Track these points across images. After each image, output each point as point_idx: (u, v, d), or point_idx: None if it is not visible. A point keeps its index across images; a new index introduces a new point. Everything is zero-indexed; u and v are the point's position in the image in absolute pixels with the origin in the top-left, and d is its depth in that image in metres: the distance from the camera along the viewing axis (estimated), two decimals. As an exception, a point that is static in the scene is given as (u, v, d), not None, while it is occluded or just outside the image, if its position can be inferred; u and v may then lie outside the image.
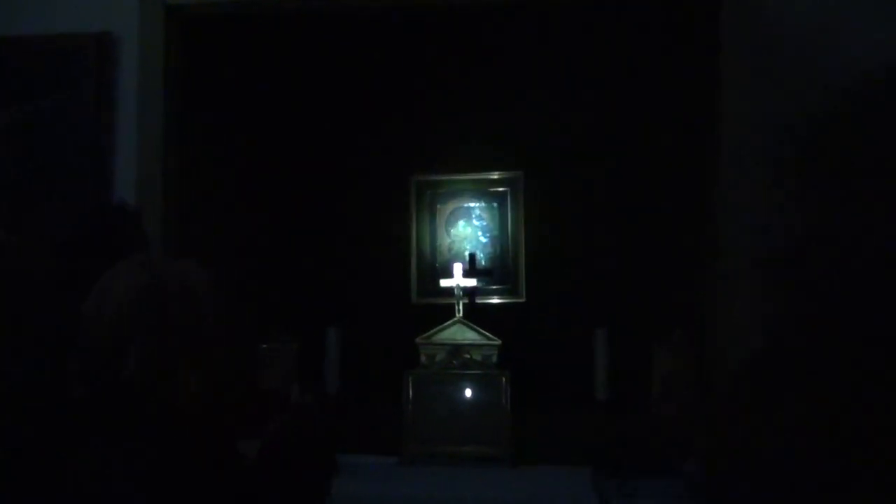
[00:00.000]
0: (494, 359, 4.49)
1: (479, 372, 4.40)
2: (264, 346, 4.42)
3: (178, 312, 1.52)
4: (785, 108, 2.95)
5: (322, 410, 1.87)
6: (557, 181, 4.96)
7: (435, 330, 4.55)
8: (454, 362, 4.43)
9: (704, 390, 4.20)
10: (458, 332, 4.54)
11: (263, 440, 1.73)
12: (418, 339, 4.55)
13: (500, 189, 5.05)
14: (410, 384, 4.36)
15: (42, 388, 1.57)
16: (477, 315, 4.66)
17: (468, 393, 4.36)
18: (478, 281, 4.74)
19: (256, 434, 1.80)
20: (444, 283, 4.70)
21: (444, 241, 5.10)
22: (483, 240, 5.08)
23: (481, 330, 4.53)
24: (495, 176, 5.06)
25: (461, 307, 4.58)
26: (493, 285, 4.98)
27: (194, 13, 3.65)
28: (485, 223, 5.08)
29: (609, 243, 4.82)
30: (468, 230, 5.09)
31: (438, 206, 5.10)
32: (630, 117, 4.78)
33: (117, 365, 1.48)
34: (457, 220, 5.09)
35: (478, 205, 5.08)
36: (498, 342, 4.51)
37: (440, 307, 4.75)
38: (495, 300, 4.98)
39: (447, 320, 4.57)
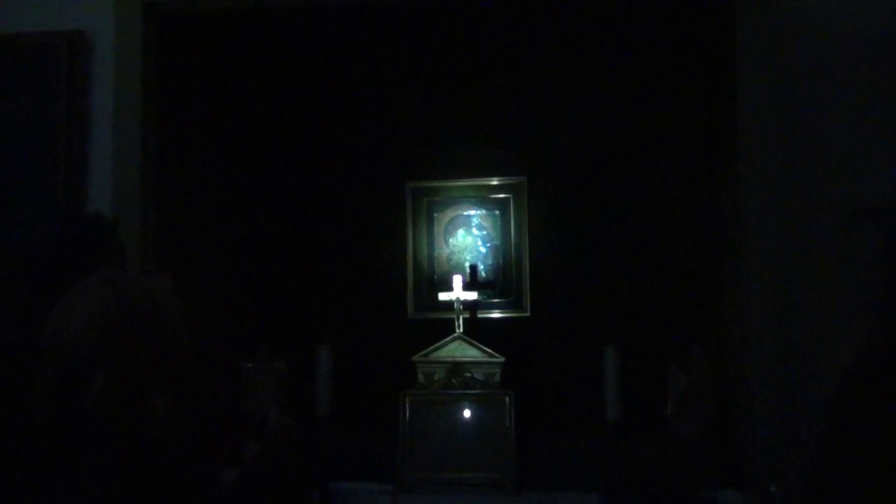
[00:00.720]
0: (497, 378, 4.47)
1: (480, 392, 4.38)
2: (249, 365, 4.39)
3: (145, 333, 1.49)
4: (804, 104, 2.93)
5: (303, 434, 1.82)
6: (563, 187, 4.95)
7: (433, 347, 4.53)
8: (454, 381, 4.41)
9: (723, 409, 4.19)
10: (458, 349, 4.51)
11: (239, 469, 1.69)
12: (415, 357, 4.53)
13: (502, 195, 5.03)
14: (407, 405, 4.34)
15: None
16: (478, 331, 4.64)
17: (469, 414, 4.35)
18: (479, 294, 4.73)
19: (235, 461, 1.77)
20: (442, 296, 4.68)
21: (443, 252, 5.07)
22: (484, 250, 5.06)
23: (483, 347, 4.51)
24: (496, 182, 5.04)
25: (461, 322, 4.56)
26: (496, 299, 4.97)
27: (173, 11, 3.63)
28: (486, 232, 5.06)
29: (619, 253, 4.80)
30: (468, 240, 5.07)
31: (436, 214, 5.08)
32: (640, 119, 4.78)
33: (80, 391, 1.45)
34: (456, 228, 5.07)
35: (478, 212, 5.07)
36: (501, 360, 4.48)
37: (439, 322, 4.73)
38: (497, 315, 4.95)
39: (446, 336, 4.55)
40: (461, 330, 4.54)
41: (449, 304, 4.63)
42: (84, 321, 1.47)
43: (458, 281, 4.63)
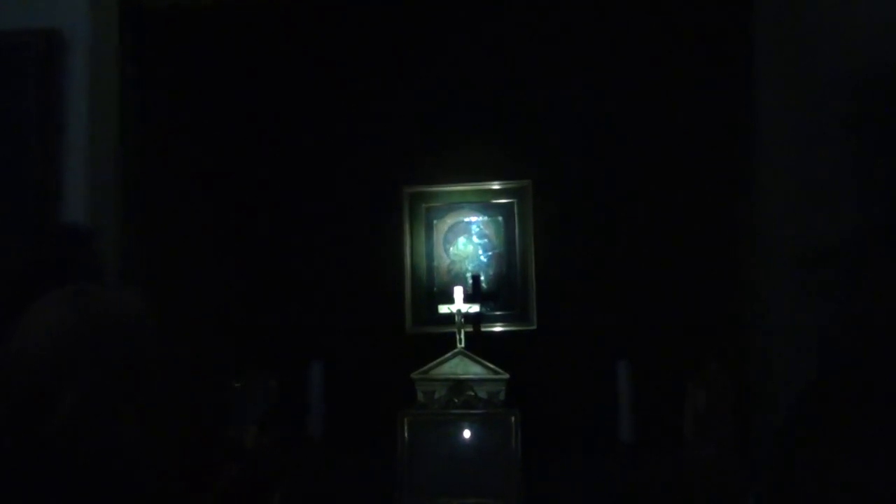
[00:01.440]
0: (502, 396, 4.45)
1: (484, 411, 4.37)
2: (237, 384, 4.38)
3: (115, 349, 1.47)
4: (824, 94, 2.92)
5: (287, 455, 1.81)
6: (571, 190, 4.95)
7: (433, 363, 4.52)
8: (455, 400, 4.40)
9: (744, 428, 4.15)
10: (460, 366, 4.50)
11: (214, 491, 1.68)
12: (414, 374, 4.51)
13: (506, 200, 5.04)
14: (406, 426, 4.33)
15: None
16: (481, 345, 4.63)
17: (472, 436, 4.34)
18: (482, 306, 4.72)
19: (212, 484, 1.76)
20: (442, 309, 4.67)
21: (443, 262, 5.08)
22: (486, 259, 5.07)
23: (486, 363, 4.49)
24: (499, 185, 5.05)
25: (463, 336, 4.55)
26: (500, 311, 4.97)
27: (153, 9, 3.63)
28: (488, 240, 5.06)
29: (631, 261, 4.79)
30: (469, 248, 5.07)
31: (435, 221, 5.08)
32: (655, 118, 4.77)
33: (45, 412, 1.43)
34: (456, 236, 5.07)
35: (480, 219, 5.06)
36: (506, 376, 4.47)
37: (439, 337, 4.72)
38: (502, 328, 4.95)
39: (447, 352, 4.53)
40: (463, 345, 4.53)
41: (450, 318, 4.62)
42: (48, 337, 1.45)
43: (459, 292, 4.62)
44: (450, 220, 5.08)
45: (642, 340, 4.60)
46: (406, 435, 4.31)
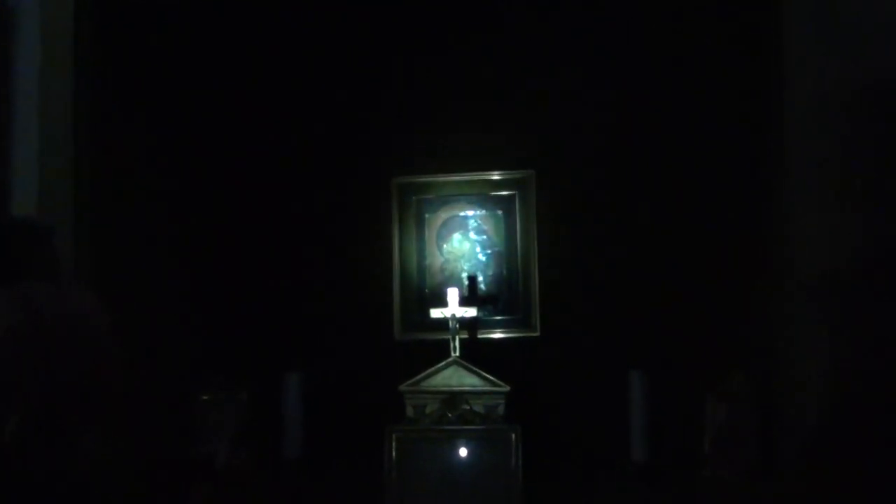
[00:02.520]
0: (501, 410, 4.44)
1: (481, 427, 4.36)
2: (204, 397, 4.39)
3: (67, 357, 1.46)
4: (854, 97, 2.94)
5: (263, 476, 1.81)
6: (578, 182, 4.93)
7: (424, 374, 4.51)
8: (449, 415, 4.40)
9: (770, 446, 4.17)
10: (455, 377, 4.49)
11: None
12: (403, 387, 4.50)
13: (506, 192, 5.02)
14: (394, 444, 4.32)
15: None
16: (478, 354, 4.62)
17: (467, 454, 4.34)
18: (479, 310, 4.71)
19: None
20: (435, 313, 4.65)
21: (436, 260, 5.05)
22: (484, 258, 5.03)
23: (484, 373, 4.48)
24: (499, 176, 5.03)
25: (458, 344, 4.54)
26: (499, 316, 4.94)
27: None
28: (486, 236, 5.04)
29: (646, 262, 4.78)
30: (465, 246, 5.05)
31: (427, 215, 5.06)
32: (672, 100, 4.76)
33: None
34: (450, 232, 5.05)
35: (477, 213, 5.05)
36: (505, 388, 4.46)
37: (431, 344, 4.70)
38: (501, 335, 4.93)
39: (440, 361, 4.52)
40: (457, 353, 4.52)
41: (443, 323, 4.60)
42: (-7, 341, 1.43)
43: (453, 295, 4.61)
44: (444, 215, 5.06)
45: (657, 349, 4.59)
46: (394, 454, 4.30)
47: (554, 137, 4.95)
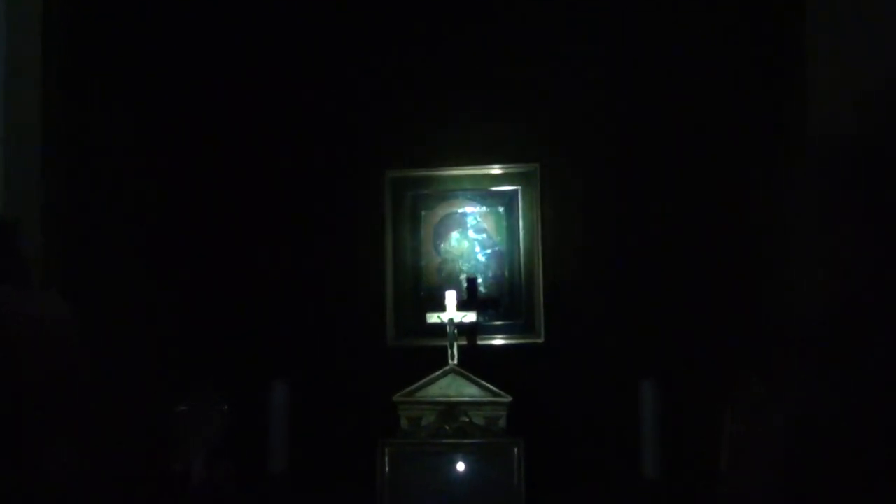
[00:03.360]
0: (503, 422, 4.45)
1: (481, 441, 4.36)
2: (182, 407, 4.35)
3: (32, 364, 1.46)
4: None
5: (239, 492, 1.82)
6: (586, 176, 4.94)
7: (420, 383, 4.51)
8: (447, 427, 4.39)
9: (791, 460, 4.17)
10: (453, 386, 4.50)
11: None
12: (397, 397, 4.51)
13: (508, 188, 5.02)
14: (386, 458, 4.32)
15: None
16: (478, 362, 4.63)
17: (466, 469, 4.33)
18: (478, 315, 4.71)
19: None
20: (431, 318, 4.65)
21: (432, 260, 5.06)
22: (484, 258, 5.03)
23: (484, 382, 4.49)
24: (500, 170, 5.03)
25: (456, 351, 4.53)
26: (500, 321, 4.95)
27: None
28: (486, 235, 5.04)
29: (658, 262, 4.79)
30: (464, 245, 5.05)
31: (423, 211, 5.06)
32: (687, 88, 4.76)
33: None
34: (448, 230, 5.06)
35: (477, 210, 5.05)
36: (507, 399, 4.46)
37: (427, 351, 4.71)
38: (503, 341, 4.93)
39: (437, 369, 4.52)
40: (455, 361, 4.52)
41: (440, 328, 4.61)
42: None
43: (451, 298, 4.61)
44: (441, 211, 5.06)
45: (671, 356, 4.60)
46: (387, 469, 4.30)
47: (560, 128, 4.95)
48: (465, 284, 4.87)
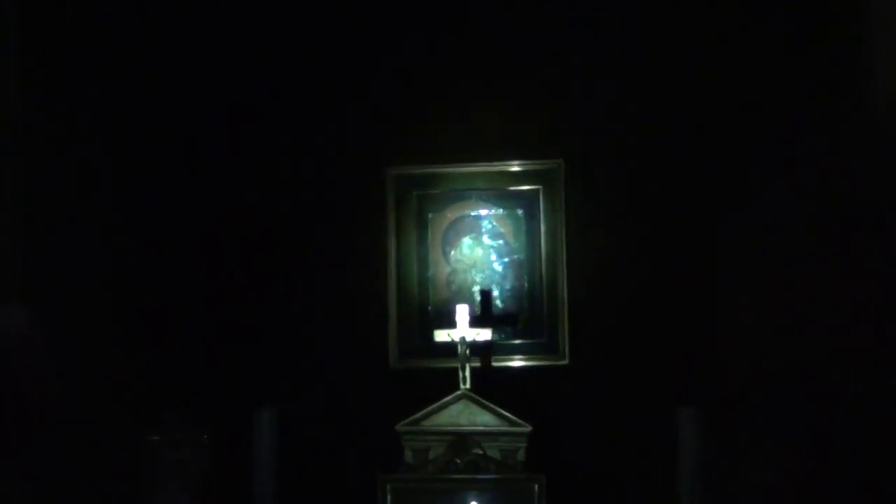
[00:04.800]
0: (521, 455, 4.43)
1: (497, 476, 4.35)
2: (155, 437, 4.39)
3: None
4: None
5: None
6: (617, 175, 4.93)
7: (427, 410, 4.50)
8: (457, 461, 4.38)
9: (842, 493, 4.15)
10: (465, 414, 4.49)
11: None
12: (401, 426, 4.49)
13: (528, 187, 5.01)
14: (388, 495, 4.31)
15: None
16: (493, 386, 4.62)
17: (480, 509, 4.33)
18: (494, 332, 4.71)
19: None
20: (440, 335, 4.64)
21: (441, 270, 5.05)
22: (500, 267, 5.03)
23: (500, 409, 4.47)
24: (519, 167, 5.03)
25: (468, 374, 4.51)
26: (518, 339, 4.95)
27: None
28: (503, 241, 5.04)
29: (699, 274, 4.78)
30: (477, 252, 5.04)
31: (431, 214, 5.06)
32: (731, 81, 4.76)
33: None
34: (459, 235, 5.05)
35: (493, 212, 5.04)
36: (527, 429, 4.44)
37: (435, 374, 4.72)
38: (522, 362, 4.93)
39: (446, 394, 4.51)
40: (467, 385, 4.50)
41: (450, 348, 4.59)
42: None
43: (462, 313, 4.59)
44: (451, 214, 5.06)
45: (712, 380, 4.58)
46: (390, 508, 4.28)
47: (587, 119, 4.95)
48: (478, 298, 4.88)
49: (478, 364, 4.66)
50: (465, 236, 5.06)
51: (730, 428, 4.44)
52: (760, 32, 4.70)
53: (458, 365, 4.53)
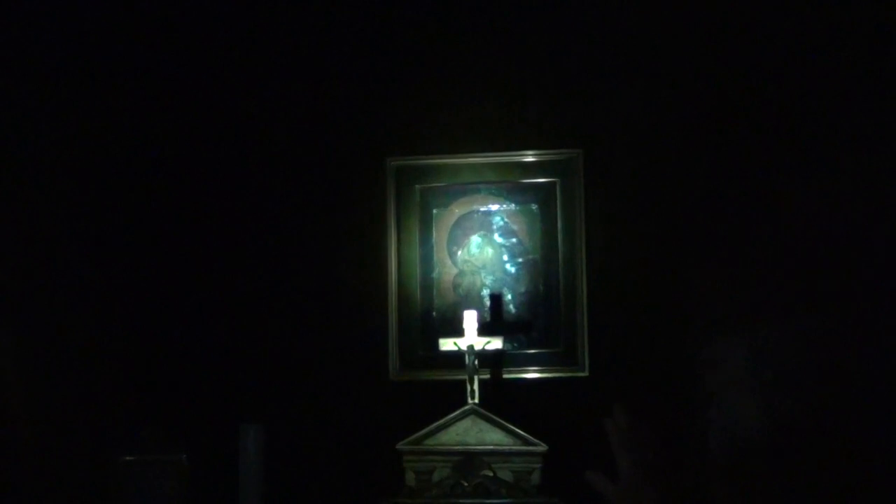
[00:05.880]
0: (536, 477, 4.43)
1: (508, 501, 4.36)
2: (128, 457, 4.39)
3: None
4: None
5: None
6: (643, 166, 4.90)
7: (431, 427, 4.51)
8: (465, 483, 4.38)
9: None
10: (472, 431, 4.49)
11: None
12: (402, 444, 4.50)
13: (544, 180, 4.99)
14: (388, 523, 4.33)
15: None
16: (505, 401, 4.64)
17: (490, 538, 4.33)
18: (505, 341, 4.71)
19: None
20: (445, 344, 4.65)
21: (447, 272, 5.03)
22: (513, 268, 5.00)
23: (512, 427, 4.47)
24: (534, 157, 4.99)
25: (476, 387, 4.52)
26: (533, 348, 4.92)
27: None
28: (516, 240, 5.01)
29: (735, 275, 4.65)
30: (487, 252, 5.02)
31: (435, 210, 5.05)
32: (772, 60, 4.74)
33: None
34: (467, 234, 5.03)
35: (504, 207, 5.02)
36: (542, 448, 4.45)
37: (439, 387, 4.73)
38: (537, 374, 4.89)
39: (452, 410, 4.51)
40: (476, 399, 4.51)
41: (457, 358, 4.60)
42: None
43: (470, 320, 4.60)
44: (458, 210, 5.04)
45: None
46: (390, 537, 4.29)
47: (610, 104, 4.93)
48: (488, 303, 4.85)
49: (487, 376, 4.67)
50: (473, 234, 5.04)
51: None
52: (794, 17, 4.70)
53: (466, 377, 4.54)
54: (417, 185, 5.04)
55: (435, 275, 5.04)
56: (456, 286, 5.03)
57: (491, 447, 4.45)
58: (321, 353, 4.97)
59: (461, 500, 4.37)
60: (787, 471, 2.04)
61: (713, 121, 4.80)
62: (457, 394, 4.55)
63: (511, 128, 5.00)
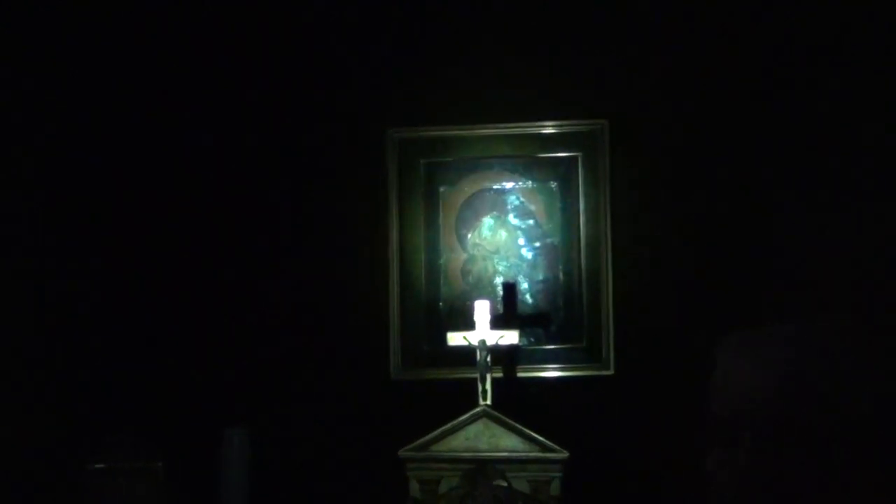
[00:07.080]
0: (555, 487, 4.40)
1: (525, 513, 4.33)
2: (99, 465, 4.38)
3: None
4: None
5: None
6: (675, 139, 4.87)
7: (438, 432, 4.48)
8: (476, 495, 4.34)
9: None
10: (484, 436, 4.47)
11: None
12: (405, 451, 4.47)
13: (564, 154, 4.96)
14: (390, 538, 4.33)
15: None
16: (520, 402, 4.63)
17: (504, 555, 4.30)
18: (521, 335, 4.65)
19: None
20: (454, 339, 4.61)
21: (456, 258, 5.02)
22: (530, 254, 4.99)
23: (529, 431, 4.43)
24: (553, 129, 4.97)
25: (489, 387, 4.49)
26: (552, 343, 4.91)
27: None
28: (533, 222, 5.00)
29: (774, 262, 4.70)
30: (501, 236, 5.01)
31: (443, 188, 5.03)
32: (808, 28, 4.71)
33: None
34: (478, 214, 5.02)
35: (519, 185, 5.00)
36: (563, 454, 4.40)
37: (446, 386, 4.73)
38: (557, 372, 4.89)
39: (462, 412, 4.48)
40: (488, 401, 4.47)
41: (466, 354, 4.56)
42: None
43: (482, 311, 4.56)
44: (468, 188, 5.02)
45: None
46: (392, 554, 4.30)
47: (637, 71, 4.91)
48: (501, 292, 4.84)
49: (501, 375, 4.66)
50: (485, 216, 5.04)
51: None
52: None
53: (477, 376, 4.51)
54: (422, 160, 5.04)
55: (442, 261, 5.04)
56: (465, 273, 5.03)
57: (505, 454, 4.43)
58: (314, 350, 4.98)
59: (473, 514, 4.35)
60: (818, 477, 2.04)
61: (751, 87, 4.80)
62: (466, 394, 4.52)
63: (528, 96, 4.99)
